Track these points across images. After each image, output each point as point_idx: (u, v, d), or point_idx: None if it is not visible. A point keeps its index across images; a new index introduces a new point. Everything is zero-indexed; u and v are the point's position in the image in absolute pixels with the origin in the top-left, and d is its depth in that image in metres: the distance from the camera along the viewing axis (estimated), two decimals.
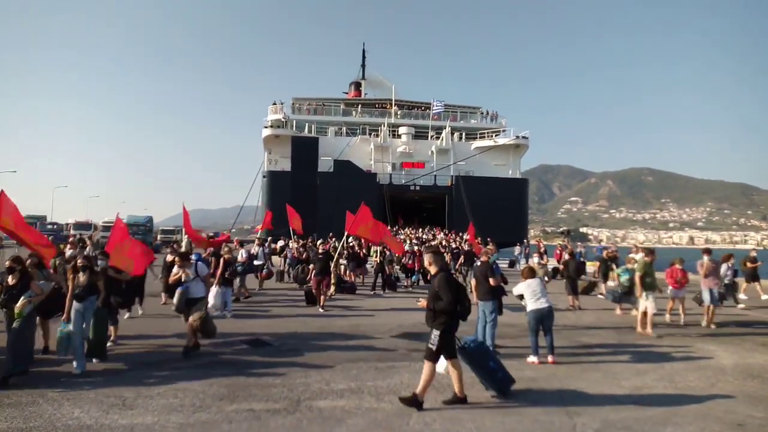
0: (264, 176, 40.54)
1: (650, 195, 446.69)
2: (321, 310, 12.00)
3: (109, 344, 7.74)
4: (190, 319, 7.64)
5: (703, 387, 6.44)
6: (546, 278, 10.11)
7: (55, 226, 38.05)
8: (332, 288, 14.20)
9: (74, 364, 6.63)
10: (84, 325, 6.94)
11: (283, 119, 42.88)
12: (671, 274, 11.15)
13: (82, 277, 6.95)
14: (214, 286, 10.96)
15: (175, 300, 8.06)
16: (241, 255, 14.18)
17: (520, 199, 42.50)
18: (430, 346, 5.41)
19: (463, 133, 44.17)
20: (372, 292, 15.86)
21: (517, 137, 43.24)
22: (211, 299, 10.69)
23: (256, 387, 6.13)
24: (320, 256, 13.10)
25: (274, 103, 44.05)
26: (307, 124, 42.85)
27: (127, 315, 10.32)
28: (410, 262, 17.41)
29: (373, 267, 17.98)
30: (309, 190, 35.90)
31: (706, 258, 11.34)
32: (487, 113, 47.43)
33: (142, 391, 5.84)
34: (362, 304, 13.46)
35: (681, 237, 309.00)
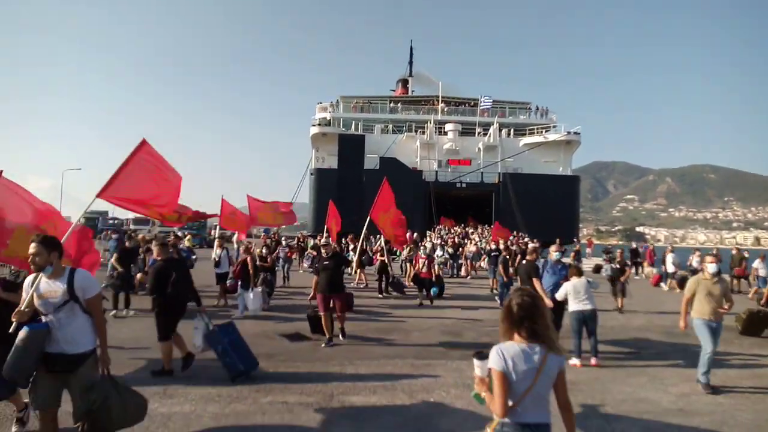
0: (311, 174, 41.14)
1: (712, 193, 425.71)
2: (323, 345, 8.07)
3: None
4: (79, 406, 3.68)
5: (759, 396, 6.05)
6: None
7: (115, 221, 39.82)
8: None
9: None
10: None
11: (329, 117, 43.41)
12: None
13: None
14: (253, 286, 10.48)
15: (11, 357, 3.63)
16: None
17: (571, 197, 41.29)
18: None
19: (512, 130, 43.36)
20: (381, 296, 13.99)
21: (568, 133, 42.03)
22: (250, 303, 10.21)
23: (292, 380, 6.22)
24: (326, 262, 8.51)
25: (329, 103, 44.87)
26: (353, 121, 43.24)
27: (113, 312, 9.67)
28: (424, 270, 13.38)
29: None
30: (355, 188, 36.14)
31: None
32: (537, 109, 46.38)
33: (183, 380, 6.03)
34: (388, 313, 11.45)
35: (746, 237, 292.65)
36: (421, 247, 15.14)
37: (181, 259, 8.39)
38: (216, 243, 12.18)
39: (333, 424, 4.90)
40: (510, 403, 2.49)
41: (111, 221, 39.81)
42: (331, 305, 8.37)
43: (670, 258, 18.75)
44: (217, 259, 11.84)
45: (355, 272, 16.46)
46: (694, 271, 17.53)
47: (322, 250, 9.05)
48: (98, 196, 5.71)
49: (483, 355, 2.62)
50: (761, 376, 6.96)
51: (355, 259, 15.12)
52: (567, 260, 17.22)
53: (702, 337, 6.33)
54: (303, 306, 11.08)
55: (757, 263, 17.45)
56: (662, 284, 18.60)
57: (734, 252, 18.97)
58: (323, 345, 8.04)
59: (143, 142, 6.11)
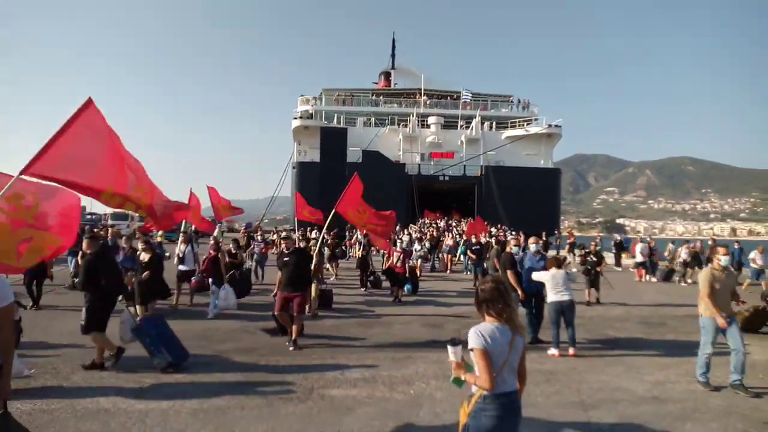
0: (293, 167, 40.89)
1: (690, 185, 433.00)
2: (291, 348, 7.43)
3: None
4: None
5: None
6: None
7: (93, 216, 39.15)
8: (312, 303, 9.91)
9: None
10: None
11: (312, 110, 43.16)
12: None
13: None
14: (226, 285, 10.04)
15: None
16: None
17: (553, 190, 41.71)
18: (81, 321, 6.24)
19: (494, 123, 43.61)
20: (363, 290, 13.76)
21: (550, 126, 42.44)
22: (226, 300, 9.84)
23: (272, 375, 6.20)
24: (287, 258, 7.85)
25: (312, 96, 44.60)
26: (336, 114, 43.04)
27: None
28: (399, 265, 12.68)
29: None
30: (337, 181, 35.97)
31: None
32: (519, 102, 46.68)
33: (161, 377, 5.97)
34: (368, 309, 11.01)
35: (723, 228, 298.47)
36: (397, 241, 14.42)
37: (110, 251, 7.89)
38: (180, 238, 11.26)
39: (313, 417, 4.90)
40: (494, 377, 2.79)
41: (89, 216, 39.08)
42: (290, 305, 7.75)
43: (639, 248, 19.00)
44: (181, 255, 10.94)
45: (326, 268, 15.41)
46: (686, 264, 17.59)
47: (283, 245, 8.24)
48: (23, 173, 4.13)
49: (456, 342, 2.89)
50: None
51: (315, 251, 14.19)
52: (562, 252, 17.06)
53: (706, 336, 6.03)
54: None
55: (754, 254, 16.80)
56: (651, 276, 18.44)
57: (710, 242, 19.27)
58: (288, 344, 7.51)
59: (89, 102, 4.59)
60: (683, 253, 18.14)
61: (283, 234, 9.63)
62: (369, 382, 5.96)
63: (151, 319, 6.60)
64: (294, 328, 7.62)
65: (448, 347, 2.88)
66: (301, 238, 15.35)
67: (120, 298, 8.05)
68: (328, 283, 13.60)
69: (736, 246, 19.07)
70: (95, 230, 13.17)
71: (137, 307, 9.28)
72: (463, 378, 2.87)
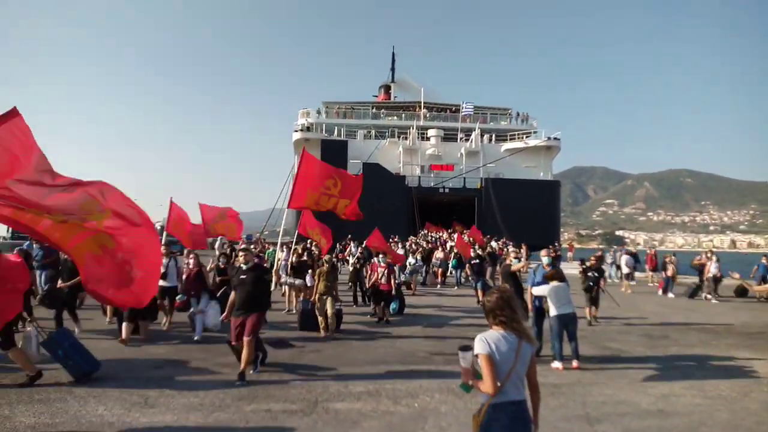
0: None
1: (689, 197, 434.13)
2: (237, 383, 6.22)
3: None
4: None
5: (736, 397, 6.17)
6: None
7: None
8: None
9: None
10: None
11: (309, 123, 43.41)
12: None
13: None
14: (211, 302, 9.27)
15: None
16: None
17: (552, 202, 41.79)
18: None
19: (493, 135, 43.84)
20: (355, 306, 13.22)
21: (549, 138, 42.69)
22: (210, 319, 9.04)
23: (276, 388, 6.18)
24: (243, 276, 6.77)
25: (313, 109, 44.93)
26: (336, 127, 43.32)
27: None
28: (383, 281, 11.51)
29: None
30: None
31: None
32: (518, 115, 47.00)
33: (165, 390, 5.95)
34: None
35: (722, 240, 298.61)
36: (380, 255, 12.63)
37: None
38: (162, 251, 9.80)
39: (318, 431, 4.88)
40: (498, 384, 2.84)
41: None
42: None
43: (624, 260, 19.12)
44: (163, 270, 9.49)
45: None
46: (717, 279, 15.93)
47: (240, 258, 7.07)
48: None
49: (467, 348, 2.96)
50: (737, 377, 7.11)
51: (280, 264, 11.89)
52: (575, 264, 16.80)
53: None
54: (277, 319, 11.10)
55: None
56: (669, 293, 17.09)
57: (710, 254, 19.18)
58: (237, 382, 6.25)
59: (14, 112, 4.60)
60: (713, 267, 16.03)
61: (242, 246, 8.26)
62: (373, 396, 5.94)
63: (61, 331, 6.74)
64: (244, 354, 6.45)
65: (459, 353, 2.96)
66: (300, 251, 13.31)
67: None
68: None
69: (763, 260, 16.94)
70: None
71: (124, 324, 8.41)
72: (470, 384, 2.94)
